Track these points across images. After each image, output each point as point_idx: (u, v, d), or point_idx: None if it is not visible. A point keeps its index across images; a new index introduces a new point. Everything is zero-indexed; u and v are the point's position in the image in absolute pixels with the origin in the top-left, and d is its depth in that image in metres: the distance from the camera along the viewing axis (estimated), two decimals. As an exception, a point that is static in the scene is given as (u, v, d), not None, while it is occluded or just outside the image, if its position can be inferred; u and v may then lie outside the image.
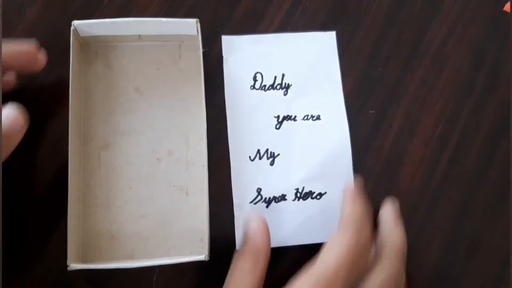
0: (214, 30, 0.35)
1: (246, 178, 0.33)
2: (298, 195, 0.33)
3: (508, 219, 0.34)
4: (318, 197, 0.33)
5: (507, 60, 0.36)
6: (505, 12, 0.37)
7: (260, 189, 0.33)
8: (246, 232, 0.30)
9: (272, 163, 0.34)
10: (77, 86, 0.32)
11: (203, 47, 0.32)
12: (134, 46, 0.34)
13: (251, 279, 0.28)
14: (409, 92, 0.35)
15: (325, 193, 0.33)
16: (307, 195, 0.33)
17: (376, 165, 0.34)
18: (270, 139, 0.34)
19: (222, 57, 0.35)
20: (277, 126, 0.34)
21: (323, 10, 0.36)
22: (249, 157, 0.34)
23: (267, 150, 0.34)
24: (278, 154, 0.34)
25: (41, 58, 0.31)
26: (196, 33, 0.32)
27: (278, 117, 0.34)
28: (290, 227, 0.33)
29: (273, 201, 0.33)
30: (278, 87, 0.35)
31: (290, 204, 0.33)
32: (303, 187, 0.33)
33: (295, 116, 0.34)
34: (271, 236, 0.30)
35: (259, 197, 0.33)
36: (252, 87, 0.35)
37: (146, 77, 0.34)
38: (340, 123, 0.34)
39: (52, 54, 0.34)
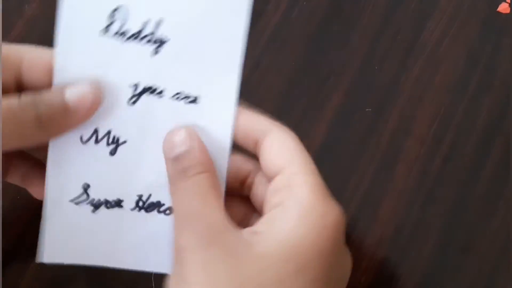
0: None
1: (70, 167, 0.24)
2: (141, 204, 0.24)
3: (503, 216, 0.34)
4: (167, 211, 0.24)
5: (501, 60, 0.36)
6: (499, 12, 0.37)
7: (88, 186, 0.24)
8: (169, 151, 0.23)
9: (113, 152, 0.24)
10: None
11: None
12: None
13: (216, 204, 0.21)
14: (404, 91, 0.36)
15: None
16: (153, 206, 0.24)
17: (371, 163, 0.35)
18: (117, 117, 0.23)
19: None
20: (133, 100, 0.23)
21: (320, 10, 0.37)
22: (81, 137, 0.23)
23: (109, 132, 0.24)
24: (125, 141, 0.24)
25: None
26: None
27: (136, 86, 0.23)
28: (124, 245, 0.25)
29: (104, 206, 0.24)
30: (147, 39, 0.23)
31: (126, 214, 0.24)
32: (150, 195, 0.24)
33: (163, 90, 0.23)
34: (98, 251, 0.24)
35: (84, 196, 0.24)
36: (104, 31, 0.22)
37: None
38: (222, 116, 0.24)
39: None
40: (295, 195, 0.21)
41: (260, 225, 0.22)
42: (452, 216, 0.34)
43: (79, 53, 0.23)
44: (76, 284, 0.31)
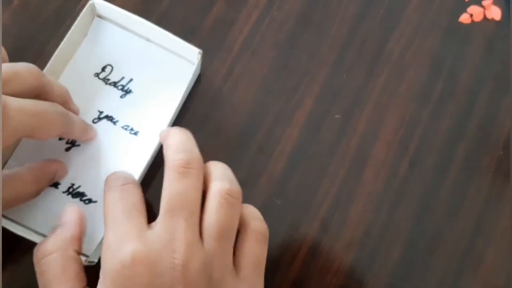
0: (184, 38, 0.36)
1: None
2: (71, 190, 0.32)
3: (467, 217, 0.36)
4: (86, 201, 0.32)
5: (463, 68, 0.38)
6: (461, 23, 0.39)
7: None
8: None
9: (67, 149, 0.32)
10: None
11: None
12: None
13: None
14: (372, 98, 0.37)
15: (96, 202, 0.32)
16: (78, 195, 0.32)
17: (341, 167, 0.36)
18: None
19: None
20: (95, 120, 0.33)
21: (291, 19, 0.38)
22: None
23: None
24: (79, 145, 0.33)
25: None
26: (195, 62, 0.34)
27: (101, 112, 0.33)
28: (44, 214, 0.31)
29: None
30: (120, 87, 0.34)
31: (59, 195, 0.32)
32: (80, 186, 0.32)
33: (117, 121, 0.33)
34: (36, 217, 0.30)
35: None
36: (96, 75, 0.34)
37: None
38: (147, 148, 0.33)
39: (24, 59, 0.34)
40: None
41: None
42: (419, 217, 0.35)
43: (79, 81, 0.34)
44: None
